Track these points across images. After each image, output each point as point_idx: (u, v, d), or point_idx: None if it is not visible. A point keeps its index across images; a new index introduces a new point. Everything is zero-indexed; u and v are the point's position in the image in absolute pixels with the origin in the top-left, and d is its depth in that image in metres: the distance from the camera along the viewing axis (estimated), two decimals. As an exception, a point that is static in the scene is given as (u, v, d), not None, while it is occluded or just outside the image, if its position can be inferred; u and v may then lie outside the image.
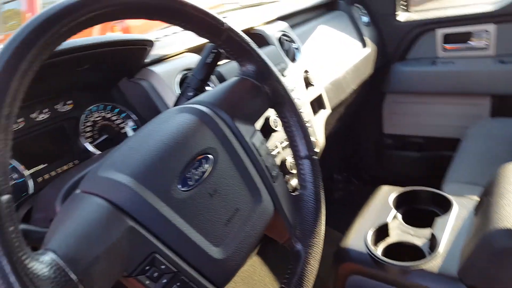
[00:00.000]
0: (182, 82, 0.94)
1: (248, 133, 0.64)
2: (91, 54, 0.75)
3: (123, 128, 0.94)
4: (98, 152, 0.87)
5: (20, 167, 0.76)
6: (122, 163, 0.52)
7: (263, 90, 0.68)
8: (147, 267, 0.47)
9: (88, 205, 0.47)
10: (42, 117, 0.82)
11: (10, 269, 0.35)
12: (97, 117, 0.91)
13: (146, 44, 0.84)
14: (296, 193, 0.71)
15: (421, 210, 1.08)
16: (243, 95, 0.67)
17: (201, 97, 0.66)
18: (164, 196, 0.51)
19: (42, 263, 0.39)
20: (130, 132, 0.94)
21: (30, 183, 0.77)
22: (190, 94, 0.81)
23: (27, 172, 0.77)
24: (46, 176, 0.80)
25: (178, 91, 0.92)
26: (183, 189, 0.53)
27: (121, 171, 0.51)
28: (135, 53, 0.85)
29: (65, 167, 0.84)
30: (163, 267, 0.48)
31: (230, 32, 0.62)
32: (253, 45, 0.67)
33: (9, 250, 0.36)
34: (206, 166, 0.57)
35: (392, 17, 1.95)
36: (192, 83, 0.81)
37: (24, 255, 0.37)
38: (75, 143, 0.86)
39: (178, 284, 0.49)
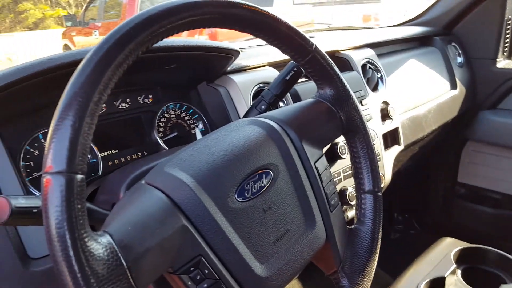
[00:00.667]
0: (256, 95, 0.95)
1: (313, 156, 0.63)
2: (181, 55, 0.79)
3: (193, 129, 0.97)
4: (166, 147, 0.91)
5: (95, 149, 0.81)
6: (188, 163, 0.54)
7: (337, 116, 0.67)
8: (192, 268, 0.48)
9: (149, 197, 0.49)
10: (124, 106, 0.88)
11: (71, 244, 0.37)
12: (171, 115, 0.95)
13: (232, 54, 0.86)
14: (352, 226, 0.68)
15: (485, 271, 0.98)
16: (315, 117, 0.66)
17: (273, 112, 0.66)
18: (220, 202, 0.52)
19: (99, 244, 0.41)
20: (198, 134, 0.96)
21: (101, 165, 0.81)
22: (263, 107, 0.82)
23: (100, 154, 0.82)
24: (116, 161, 0.85)
25: (250, 102, 0.93)
26: (239, 199, 0.53)
27: (185, 171, 0.52)
28: (221, 60, 0.88)
29: (134, 156, 0.88)
30: (206, 271, 0.49)
31: (316, 53, 0.61)
32: (336, 70, 0.66)
33: (73, 226, 0.38)
34: (265, 181, 0.57)
35: (491, 63, 1.82)
36: (267, 97, 0.82)
37: (85, 234, 0.39)
38: (147, 135, 0.91)
39: None
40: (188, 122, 0.97)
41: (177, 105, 0.96)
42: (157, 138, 0.90)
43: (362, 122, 0.69)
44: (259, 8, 0.54)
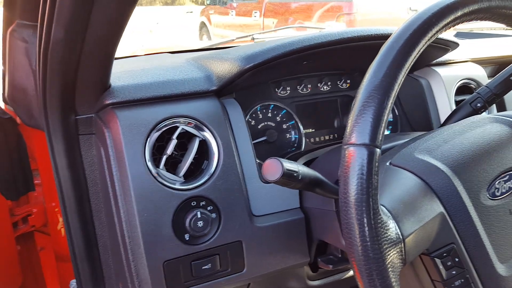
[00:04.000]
0: (458, 90, 0.91)
1: None
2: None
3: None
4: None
5: (300, 126, 0.86)
6: (439, 151, 0.55)
7: None
8: (445, 254, 0.50)
9: (405, 179, 0.52)
10: (325, 88, 0.91)
11: (368, 211, 0.42)
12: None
13: (450, 46, 0.83)
14: None
15: None
16: None
17: None
18: (474, 196, 0.52)
19: (385, 216, 0.45)
20: None
21: (304, 142, 0.86)
22: (479, 105, 0.78)
23: (303, 131, 0.87)
24: (312, 140, 0.89)
25: (453, 97, 0.90)
26: (490, 196, 0.54)
27: (439, 159, 0.54)
28: (436, 52, 0.86)
29: (326, 137, 0.92)
30: (457, 259, 0.51)
31: None
32: None
33: (372, 195, 0.42)
34: None
35: None
36: (484, 94, 0.78)
37: (378, 204, 0.43)
38: (340, 119, 0.93)
39: (462, 281, 0.51)
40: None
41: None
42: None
43: None
44: None
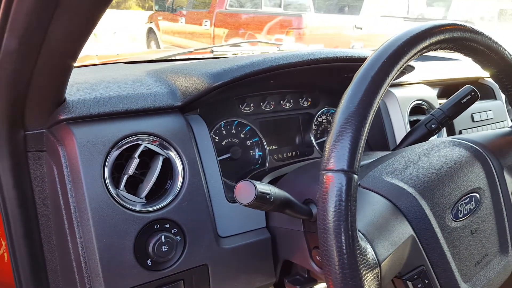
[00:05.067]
0: (411, 111, 0.96)
1: (511, 184, 0.64)
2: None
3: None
4: (318, 149, 0.93)
5: (264, 143, 0.86)
6: (405, 174, 0.57)
7: None
8: (415, 276, 0.51)
9: (376, 202, 0.53)
10: (288, 106, 0.91)
11: (346, 237, 0.42)
12: (323, 119, 0.98)
13: (407, 69, 0.87)
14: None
15: None
16: None
17: (472, 136, 0.67)
18: (440, 218, 0.54)
19: (362, 241, 0.45)
20: None
21: (268, 159, 0.85)
22: (433, 126, 0.82)
23: (267, 148, 0.86)
24: (275, 157, 0.89)
25: (407, 118, 0.94)
26: (453, 218, 0.56)
27: (406, 182, 0.55)
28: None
29: (289, 154, 0.92)
30: (426, 281, 0.52)
31: None
32: None
33: (351, 221, 0.42)
34: (474, 204, 0.59)
35: None
36: (438, 116, 0.82)
37: (355, 230, 0.42)
38: (302, 136, 0.94)
39: None
40: (336, 128, 0.99)
41: (330, 111, 0.98)
42: (312, 139, 0.93)
43: None
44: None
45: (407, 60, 0.48)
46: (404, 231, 0.51)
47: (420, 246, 0.52)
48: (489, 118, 1.11)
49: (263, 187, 0.52)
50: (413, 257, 0.51)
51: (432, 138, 0.73)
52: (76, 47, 0.51)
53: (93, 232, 0.56)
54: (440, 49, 0.53)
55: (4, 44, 0.47)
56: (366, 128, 0.44)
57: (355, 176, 0.43)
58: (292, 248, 0.68)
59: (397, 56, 0.47)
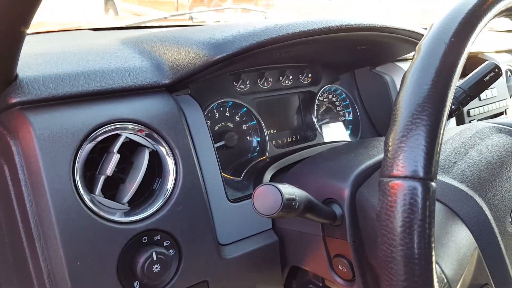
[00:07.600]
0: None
1: None
2: (379, 36, 0.69)
3: (341, 116, 0.89)
4: (321, 132, 0.82)
5: (264, 127, 0.73)
6: (456, 170, 0.48)
7: None
8: None
9: None
10: (287, 83, 0.79)
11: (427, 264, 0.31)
12: (325, 98, 0.86)
13: (420, 40, 0.76)
14: None
15: None
16: None
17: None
18: (500, 224, 0.45)
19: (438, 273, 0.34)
20: (342, 126, 0.87)
21: (268, 147, 0.73)
22: (453, 107, 0.72)
23: (267, 134, 0.73)
24: (274, 142, 0.77)
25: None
26: None
27: (458, 179, 0.46)
28: (408, 47, 0.77)
29: (289, 139, 0.80)
30: None
31: None
32: None
33: (429, 242, 0.31)
34: None
35: None
36: (459, 96, 0.72)
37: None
38: (303, 117, 0.82)
39: None
40: (338, 108, 0.88)
41: (331, 88, 0.87)
42: (314, 121, 0.82)
43: None
44: None
45: (491, 19, 0.37)
46: (469, 244, 0.41)
47: (483, 261, 0.42)
48: (494, 96, 1.04)
49: (287, 190, 0.40)
50: (477, 275, 0.42)
51: (472, 123, 0.63)
52: (28, 8, 0.36)
53: (62, 254, 0.42)
54: None
55: None
56: (445, 118, 0.33)
57: (433, 184, 0.32)
58: (306, 254, 0.58)
59: (479, 12, 0.36)
